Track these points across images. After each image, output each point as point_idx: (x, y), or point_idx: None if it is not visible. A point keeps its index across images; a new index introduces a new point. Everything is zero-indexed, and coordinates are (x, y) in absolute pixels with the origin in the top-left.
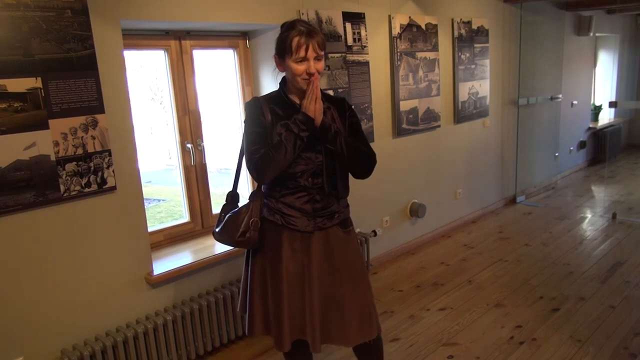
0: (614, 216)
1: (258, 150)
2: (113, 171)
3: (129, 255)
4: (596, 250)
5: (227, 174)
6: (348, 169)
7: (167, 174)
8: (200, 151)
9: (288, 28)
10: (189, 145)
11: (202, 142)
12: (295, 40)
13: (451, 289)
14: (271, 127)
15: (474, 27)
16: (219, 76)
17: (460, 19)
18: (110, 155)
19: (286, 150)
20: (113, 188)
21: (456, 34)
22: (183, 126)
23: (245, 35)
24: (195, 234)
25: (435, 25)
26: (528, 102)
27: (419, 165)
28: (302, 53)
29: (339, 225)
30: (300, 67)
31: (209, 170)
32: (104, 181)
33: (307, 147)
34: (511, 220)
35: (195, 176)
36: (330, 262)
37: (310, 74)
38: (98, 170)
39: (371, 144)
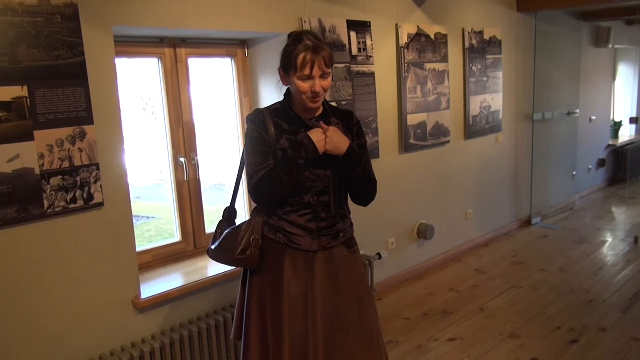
0: (636, 240)
1: (258, 173)
2: (101, 186)
3: (116, 277)
4: (617, 277)
5: (222, 190)
6: (353, 192)
7: (158, 190)
8: (194, 166)
9: (294, 41)
10: (182, 160)
11: (196, 156)
12: (301, 56)
13: (461, 318)
14: (275, 141)
15: (486, 37)
16: (215, 86)
17: (472, 29)
18: (98, 169)
19: (282, 178)
20: (100, 204)
21: (467, 44)
22: (176, 139)
23: (244, 43)
24: (187, 255)
25: (445, 35)
26: (544, 117)
27: (428, 184)
28: (307, 71)
29: (344, 245)
30: (304, 85)
31: (202, 186)
32: (90, 197)
33: (316, 163)
34: (526, 243)
35: (188, 192)
36: (334, 283)
37: (315, 93)
38: (85, 185)
39: (377, 160)
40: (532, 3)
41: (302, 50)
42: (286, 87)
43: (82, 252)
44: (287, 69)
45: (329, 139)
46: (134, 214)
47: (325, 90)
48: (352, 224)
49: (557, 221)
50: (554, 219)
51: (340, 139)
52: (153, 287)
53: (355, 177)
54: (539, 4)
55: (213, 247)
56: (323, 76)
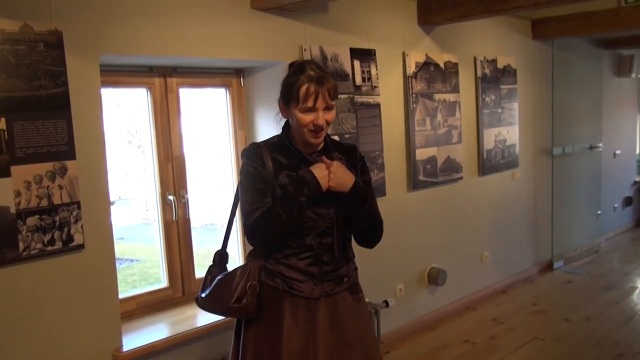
0: None
1: (254, 212)
2: (81, 226)
3: (95, 327)
4: None
5: (213, 230)
6: (357, 233)
7: (143, 230)
8: (183, 204)
9: (296, 71)
10: (170, 197)
11: (186, 193)
12: (304, 88)
13: None
14: (273, 178)
15: (500, 66)
16: (208, 118)
17: (484, 57)
18: (79, 207)
19: (281, 218)
20: (80, 246)
21: (479, 73)
22: (165, 175)
23: (239, 72)
24: (175, 302)
25: (456, 64)
26: (564, 151)
27: (439, 224)
28: (310, 103)
29: (348, 291)
30: (307, 118)
31: (192, 226)
32: (70, 238)
33: (319, 201)
34: (548, 290)
35: (177, 233)
36: (338, 334)
37: (318, 127)
38: (64, 226)
39: (383, 198)
40: (548, 30)
41: (305, 81)
42: (285, 120)
43: (58, 299)
44: (288, 100)
45: (332, 175)
46: (116, 256)
47: (328, 123)
48: (356, 268)
49: (581, 265)
50: (577, 262)
51: (345, 175)
52: (136, 338)
53: (360, 216)
54: (556, 31)
55: (203, 294)
56: (327, 109)
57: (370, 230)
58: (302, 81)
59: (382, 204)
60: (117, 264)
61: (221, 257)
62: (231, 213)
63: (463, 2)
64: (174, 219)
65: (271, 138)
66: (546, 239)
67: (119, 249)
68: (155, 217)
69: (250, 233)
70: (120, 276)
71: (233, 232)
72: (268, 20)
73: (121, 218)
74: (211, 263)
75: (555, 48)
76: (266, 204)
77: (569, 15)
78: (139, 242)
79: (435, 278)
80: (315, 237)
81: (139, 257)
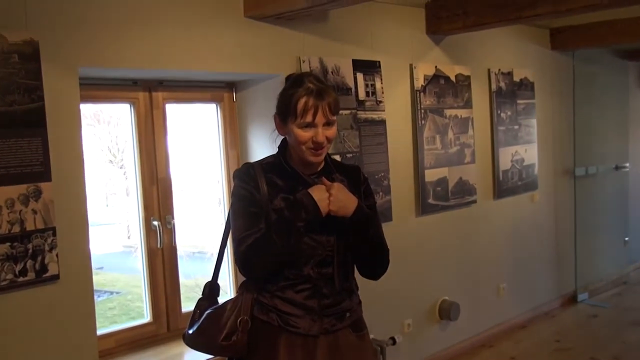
0: None
1: (247, 239)
2: (57, 255)
3: None
4: None
5: (202, 259)
6: (360, 263)
7: (125, 258)
8: (169, 230)
9: (293, 84)
10: (155, 223)
11: (173, 219)
12: (302, 101)
13: None
14: (268, 201)
15: (516, 79)
16: (197, 137)
17: (499, 70)
18: (54, 234)
19: (276, 245)
20: (55, 277)
21: (494, 87)
22: (149, 198)
23: (231, 86)
24: (159, 339)
25: (468, 77)
26: (587, 172)
27: (451, 252)
28: (309, 118)
29: (351, 328)
30: (305, 135)
31: (179, 254)
32: (44, 268)
33: (318, 227)
34: (571, 325)
35: (162, 262)
36: None
37: (317, 144)
38: (38, 254)
39: (389, 224)
40: (569, 40)
41: (303, 94)
42: (281, 138)
43: (30, 335)
44: (285, 115)
45: (333, 198)
46: (95, 288)
47: (329, 140)
48: (360, 302)
49: (607, 297)
50: (604, 295)
51: (347, 198)
52: None
53: (363, 243)
54: (576, 41)
55: (191, 331)
56: (327, 124)
57: (375, 260)
58: (300, 94)
59: (388, 230)
60: (96, 297)
61: (211, 288)
62: (222, 240)
63: (476, 10)
64: (158, 246)
65: (266, 158)
66: (569, 268)
67: (98, 279)
68: (138, 245)
69: (242, 262)
70: (98, 310)
71: (225, 262)
72: (263, 30)
73: (100, 245)
74: (200, 295)
75: (576, 59)
76: (260, 229)
77: (591, 24)
78: (120, 272)
79: (447, 312)
80: (314, 266)
81: (119, 289)
